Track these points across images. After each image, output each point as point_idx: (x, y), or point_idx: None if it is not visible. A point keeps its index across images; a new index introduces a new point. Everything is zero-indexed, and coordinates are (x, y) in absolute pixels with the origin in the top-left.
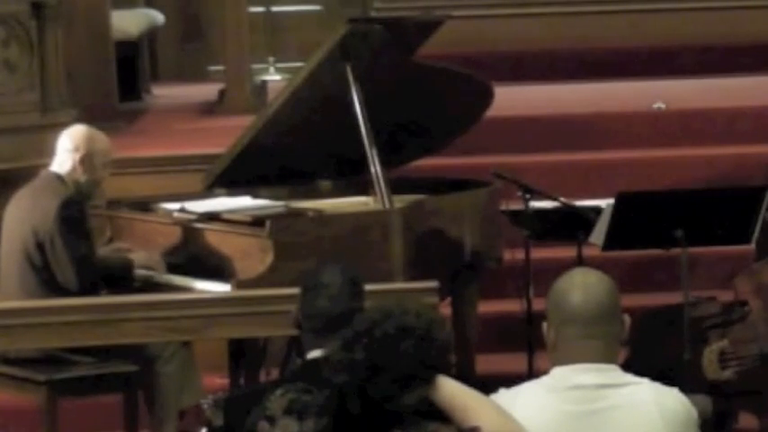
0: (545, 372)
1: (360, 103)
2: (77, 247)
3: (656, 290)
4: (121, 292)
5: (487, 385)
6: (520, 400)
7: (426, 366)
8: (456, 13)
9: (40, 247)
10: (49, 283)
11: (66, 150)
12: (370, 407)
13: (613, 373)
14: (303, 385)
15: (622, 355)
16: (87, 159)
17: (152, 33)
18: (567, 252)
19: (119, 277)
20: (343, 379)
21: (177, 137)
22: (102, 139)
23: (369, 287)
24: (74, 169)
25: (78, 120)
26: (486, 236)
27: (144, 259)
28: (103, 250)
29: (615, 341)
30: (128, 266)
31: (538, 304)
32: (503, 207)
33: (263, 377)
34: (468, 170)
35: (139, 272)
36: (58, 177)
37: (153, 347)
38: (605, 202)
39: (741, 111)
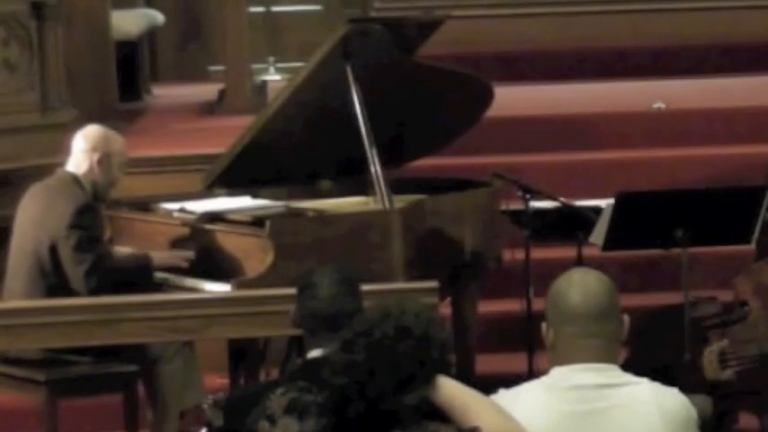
0: (545, 372)
1: (360, 103)
2: (88, 253)
3: (656, 290)
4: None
5: (487, 385)
6: (520, 400)
7: (426, 366)
8: (456, 13)
9: (52, 250)
10: (57, 288)
11: (83, 151)
12: (370, 407)
13: (613, 373)
14: (304, 384)
15: (622, 355)
16: (105, 159)
17: (152, 33)
18: (567, 252)
19: (137, 279)
20: (343, 380)
21: (177, 137)
22: (118, 139)
23: (369, 287)
24: (91, 170)
25: (78, 119)
26: (486, 236)
27: (166, 258)
28: (120, 252)
29: (615, 341)
30: (145, 265)
31: (538, 304)
32: (503, 207)
33: (263, 377)
34: (469, 170)
35: (160, 274)
36: (75, 179)
37: (155, 347)
38: (605, 202)
39: (740, 111)
